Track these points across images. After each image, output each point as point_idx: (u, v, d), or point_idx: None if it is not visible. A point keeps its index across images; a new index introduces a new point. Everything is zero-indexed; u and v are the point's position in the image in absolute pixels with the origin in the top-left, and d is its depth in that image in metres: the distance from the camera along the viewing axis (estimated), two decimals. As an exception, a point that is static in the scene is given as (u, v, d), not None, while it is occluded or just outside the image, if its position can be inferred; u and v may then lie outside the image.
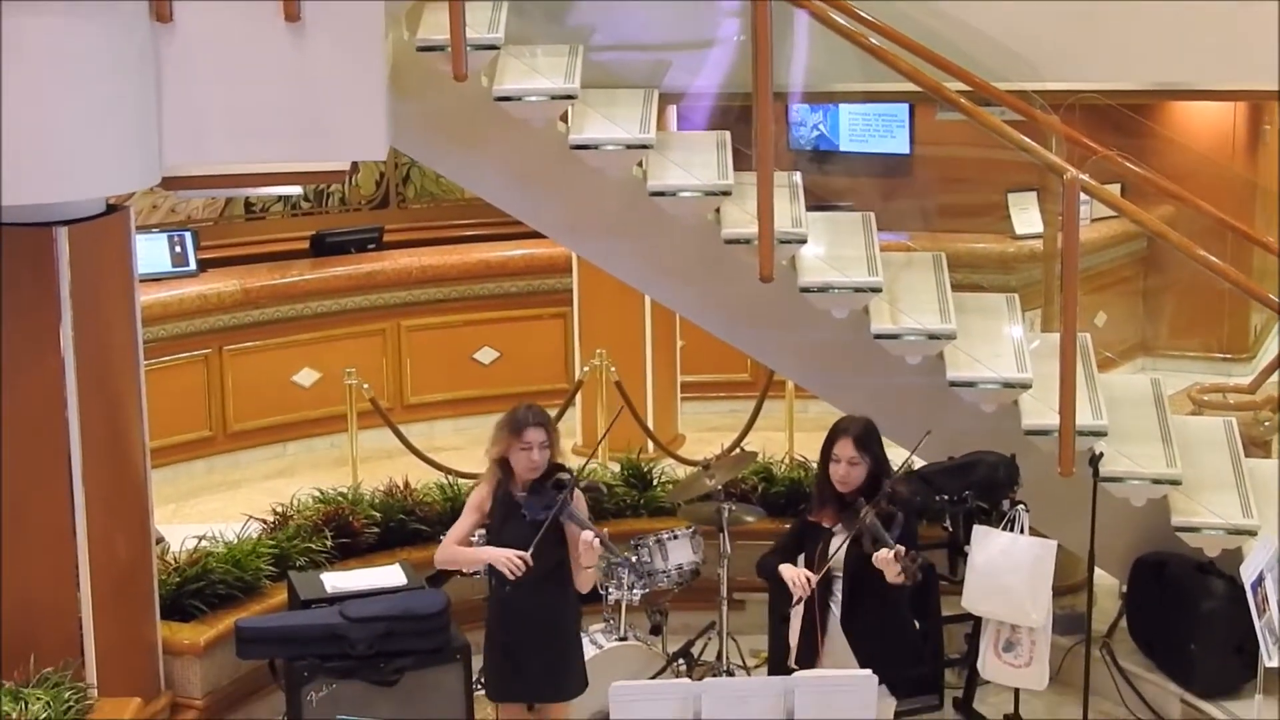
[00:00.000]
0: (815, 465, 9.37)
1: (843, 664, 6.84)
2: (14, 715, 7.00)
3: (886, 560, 6.70)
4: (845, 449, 6.94)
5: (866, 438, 6.96)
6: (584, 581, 7.27)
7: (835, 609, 6.96)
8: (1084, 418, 8.25)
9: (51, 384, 7.54)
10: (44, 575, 7.67)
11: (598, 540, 7.04)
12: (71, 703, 7.34)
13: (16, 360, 7.51)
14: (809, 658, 7.02)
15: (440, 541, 8.06)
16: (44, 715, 7.08)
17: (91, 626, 7.75)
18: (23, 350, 7.51)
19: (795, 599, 7.00)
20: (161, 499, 8.50)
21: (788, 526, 7.56)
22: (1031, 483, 8.24)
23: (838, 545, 6.93)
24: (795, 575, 6.95)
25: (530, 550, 6.97)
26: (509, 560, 6.96)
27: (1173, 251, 9.24)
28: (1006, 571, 7.89)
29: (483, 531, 8.19)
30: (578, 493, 7.23)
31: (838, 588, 6.94)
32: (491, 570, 7.23)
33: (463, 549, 7.28)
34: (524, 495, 7.11)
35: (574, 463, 7.67)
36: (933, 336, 8.32)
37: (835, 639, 6.94)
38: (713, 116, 9.41)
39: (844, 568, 6.93)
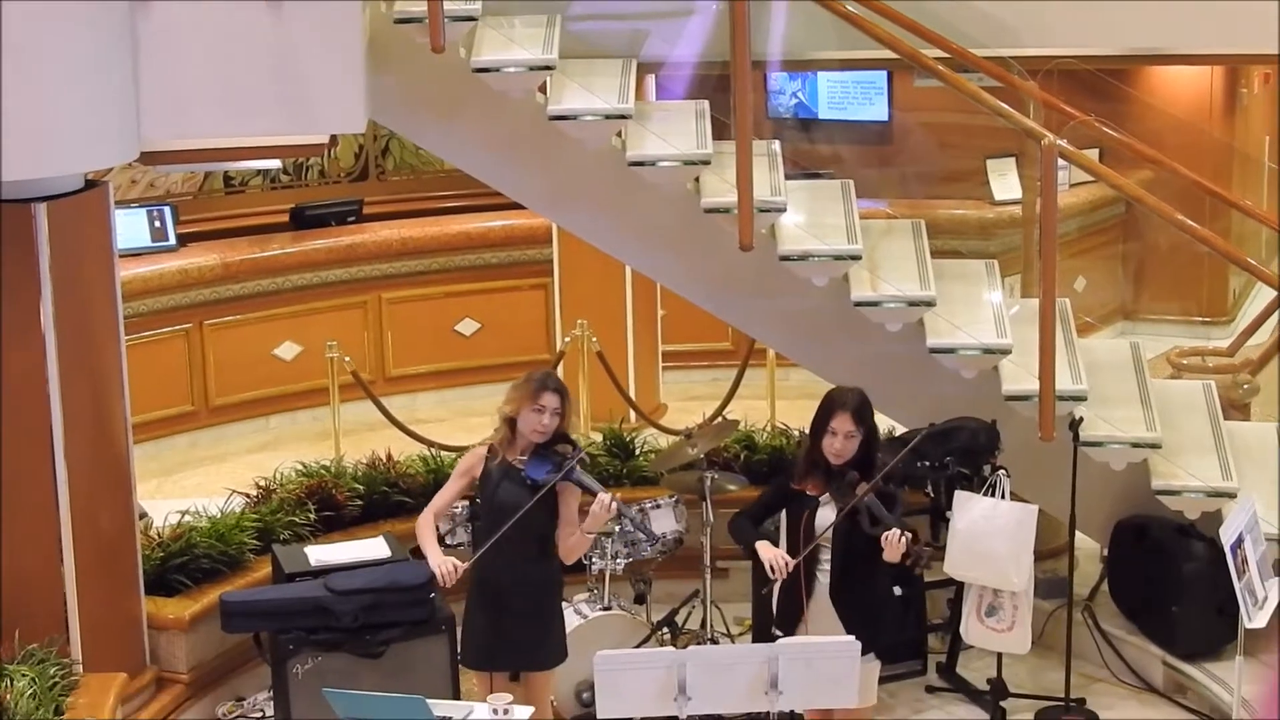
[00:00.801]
0: (797, 433, 9.48)
1: (829, 631, 6.85)
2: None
3: (894, 543, 6.70)
4: (844, 423, 6.88)
5: (863, 410, 6.91)
6: (574, 551, 7.20)
7: (822, 578, 6.95)
8: (1064, 383, 8.29)
9: (33, 360, 7.54)
10: (28, 551, 7.68)
11: (614, 502, 6.99)
12: (57, 678, 7.34)
13: (-3, 337, 7.52)
14: (791, 619, 7.01)
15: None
16: (30, 691, 7.09)
17: (76, 602, 7.77)
18: (4, 326, 7.51)
19: (774, 581, 6.99)
20: (144, 474, 8.50)
21: (771, 482, 7.51)
22: (1012, 448, 8.28)
23: (825, 517, 6.91)
24: (774, 557, 6.90)
25: (522, 512, 6.89)
26: (444, 570, 6.99)
27: (1151, 216, 9.28)
28: (988, 536, 7.93)
29: (464, 503, 8.22)
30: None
31: (825, 556, 6.93)
32: (478, 540, 7.23)
33: (427, 535, 7.21)
34: (524, 459, 7.05)
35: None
36: (913, 303, 8.34)
37: (821, 607, 6.94)
38: (691, 85, 9.41)
39: (833, 540, 6.90)
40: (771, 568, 6.90)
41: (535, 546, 7.07)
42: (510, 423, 7.09)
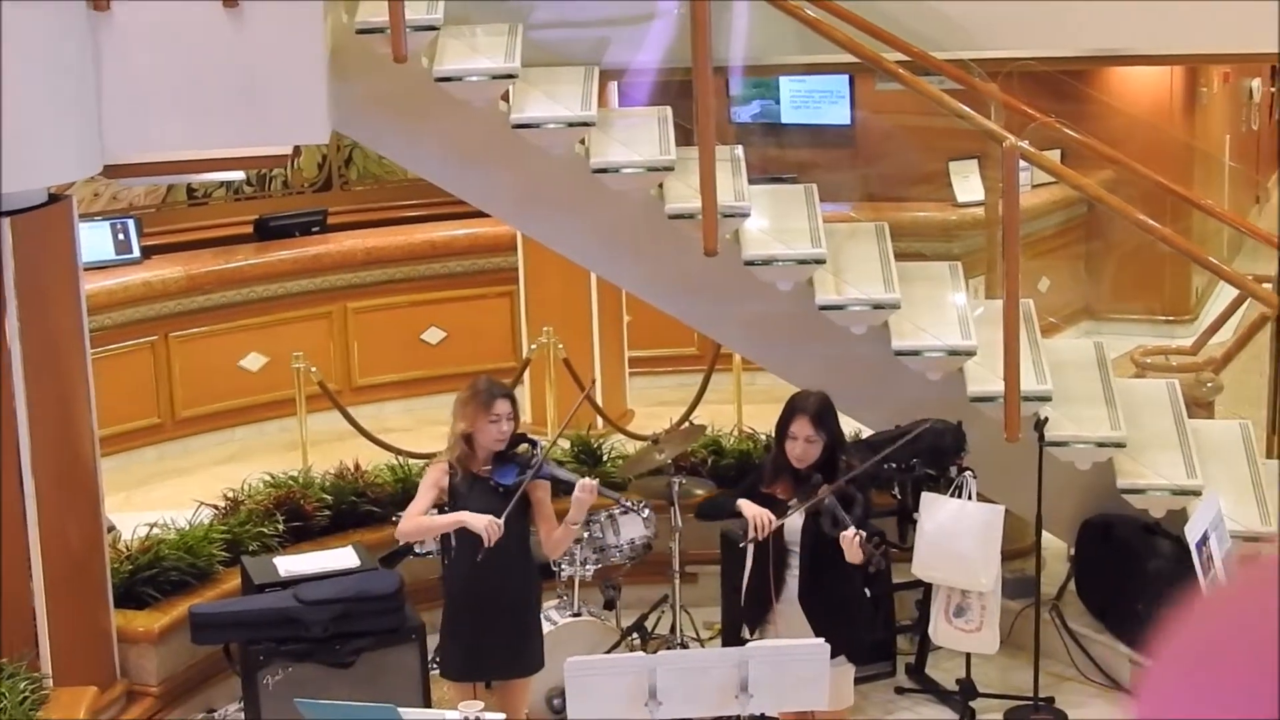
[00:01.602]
0: (764, 437, 9.51)
1: (797, 633, 6.87)
2: (-30, 707, 7.00)
3: (850, 542, 6.71)
4: (803, 427, 6.89)
5: (823, 414, 6.91)
6: (560, 545, 7.23)
7: (791, 581, 6.95)
8: (1028, 383, 8.33)
9: (-2, 375, 7.53)
10: (-4, 566, 7.66)
11: (593, 482, 6.99)
12: (28, 693, 7.31)
13: (-38, 352, 7.50)
14: (758, 618, 7.02)
15: (395, 522, 8.11)
16: (0, 705, 7.08)
17: (45, 616, 7.74)
18: (-32, 342, 7.50)
19: (749, 537, 6.92)
20: (111, 487, 8.48)
21: (742, 482, 7.51)
22: (978, 449, 8.31)
23: (794, 520, 6.92)
24: (758, 514, 6.84)
25: (503, 518, 6.85)
26: (487, 525, 6.80)
27: (1113, 216, 9.34)
28: (956, 537, 7.97)
29: (435, 510, 8.19)
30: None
31: (794, 560, 6.95)
32: (447, 548, 7.22)
33: (432, 518, 7.08)
34: (489, 469, 7.02)
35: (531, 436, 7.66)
36: (877, 306, 8.37)
37: (790, 609, 6.95)
38: (654, 92, 9.44)
39: (800, 543, 6.91)
40: (754, 521, 6.87)
41: (513, 554, 7.01)
42: (466, 438, 7.04)
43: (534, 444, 7.14)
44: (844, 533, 6.71)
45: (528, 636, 7.20)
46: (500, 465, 7.03)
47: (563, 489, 7.17)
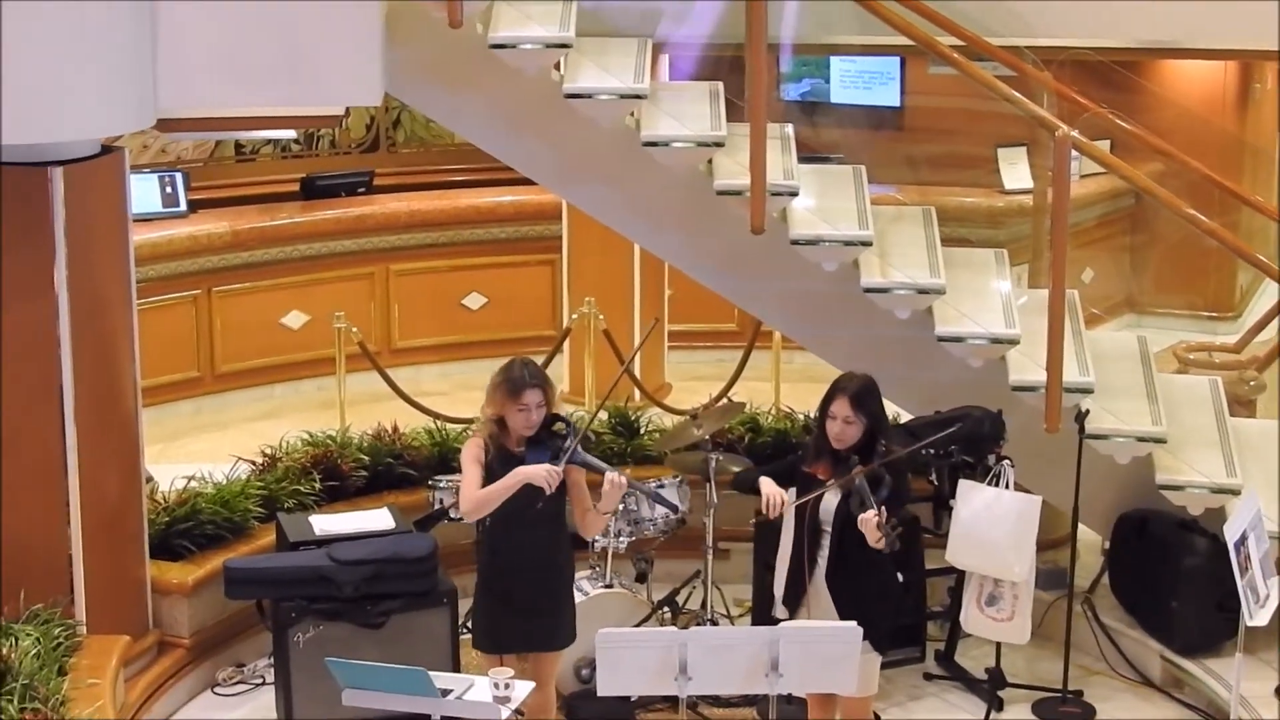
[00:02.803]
0: (802, 416, 9.51)
1: (825, 616, 6.87)
2: (3, 651, 7.03)
3: (868, 522, 6.71)
4: (842, 407, 6.88)
5: (863, 397, 6.88)
6: (593, 528, 7.18)
7: (821, 561, 6.96)
8: (1071, 374, 8.30)
9: (45, 323, 7.57)
10: (35, 512, 7.71)
11: (623, 478, 6.93)
12: (61, 639, 7.39)
13: (11, 299, 7.54)
14: (794, 600, 7.02)
15: (431, 485, 8.18)
16: (33, 651, 7.12)
17: (81, 564, 7.80)
18: (17, 289, 7.54)
19: (761, 514, 6.98)
20: (149, 438, 8.51)
21: (786, 458, 7.50)
22: (1017, 438, 8.29)
23: (830, 500, 6.91)
24: (772, 493, 6.91)
25: (561, 464, 6.80)
26: (547, 474, 6.74)
27: (1160, 209, 9.29)
28: (990, 526, 7.95)
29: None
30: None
31: (825, 541, 6.95)
32: (482, 524, 7.19)
33: (495, 485, 6.88)
34: (522, 450, 6.94)
35: (567, 408, 7.63)
36: (922, 291, 8.35)
37: (820, 591, 6.95)
38: (704, 66, 9.42)
39: (833, 524, 6.92)
40: (769, 500, 6.90)
41: (545, 532, 6.98)
42: (497, 420, 6.97)
43: (568, 423, 7.05)
44: (862, 514, 6.70)
45: (560, 612, 7.16)
46: (533, 449, 6.95)
47: (595, 472, 7.11)
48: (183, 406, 11.47)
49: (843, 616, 6.81)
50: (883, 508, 6.73)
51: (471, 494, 6.94)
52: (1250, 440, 8.66)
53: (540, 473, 6.78)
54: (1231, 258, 12.05)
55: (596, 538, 8.47)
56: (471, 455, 7.00)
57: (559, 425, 7.04)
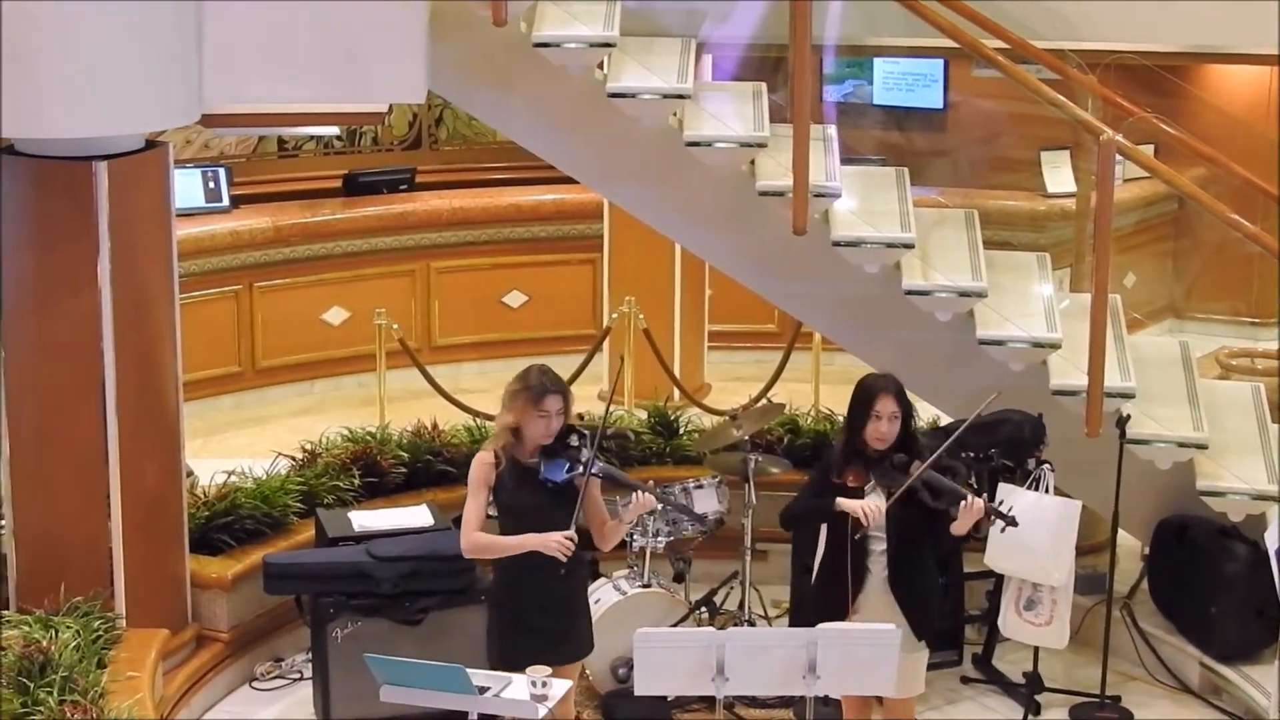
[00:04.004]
0: (841, 418, 9.47)
1: (885, 621, 6.78)
2: (44, 643, 7.08)
3: (971, 508, 6.68)
4: (887, 405, 6.85)
5: (902, 393, 6.91)
6: (612, 539, 7.02)
7: (874, 569, 6.91)
8: (1112, 379, 8.27)
9: (88, 317, 7.61)
10: (75, 505, 7.76)
11: (651, 497, 6.83)
12: (100, 632, 7.44)
13: (54, 293, 7.59)
14: (835, 615, 6.86)
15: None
16: (73, 644, 7.17)
17: (121, 557, 7.85)
18: (61, 283, 7.59)
19: (861, 529, 6.79)
20: (189, 433, 8.55)
21: (810, 478, 7.46)
22: (1057, 442, 8.27)
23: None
24: (861, 504, 6.77)
25: (572, 525, 6.65)
26: (560, 544, 6.62)
27: (1203, 214, 9.27)
28: (1030, 530, 7.88)
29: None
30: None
31: (875, 546, 6.90)
32: (504, 529, 6.92)
33: (500, 539, 6.80)
34: (534, 460, 6.78)
35: (599, 410, 7.58)
36: (964, 294, 8.33)
37: (875, 598, 6.91)
38: (747, 67, 9.41)
39: (887, 529, 6.86)
40: (864, 513, 6.76)
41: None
42: (513, 430, 6.80)
43: (582, 435, 6.88)
44: (966, 502, 6.66)
45: (575, 625, 6.98)
46: (549, 460, 6.78)
47: (620, 487, 7.06)
48: (223, 401, 11.52)
49: (911, 618, 6.82)
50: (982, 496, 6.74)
51: (472, 533, 6.81)
52: (1292, 448, 8.62)
53: (552, 543, 6.63)
54: (1275, 263, 11.96)
55: (635, 537, 8.48)
56: (480, 478, 6.82)
57: (572, 438, 6.84)
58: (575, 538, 6.66)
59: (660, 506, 6.98)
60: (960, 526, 6.74)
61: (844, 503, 6.85)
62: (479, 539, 6.82)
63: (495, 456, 6.82)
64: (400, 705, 6.40)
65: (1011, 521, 6.79)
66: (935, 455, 6.82)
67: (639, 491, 6.87)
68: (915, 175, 8.86)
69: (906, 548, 6.89)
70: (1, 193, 7.58)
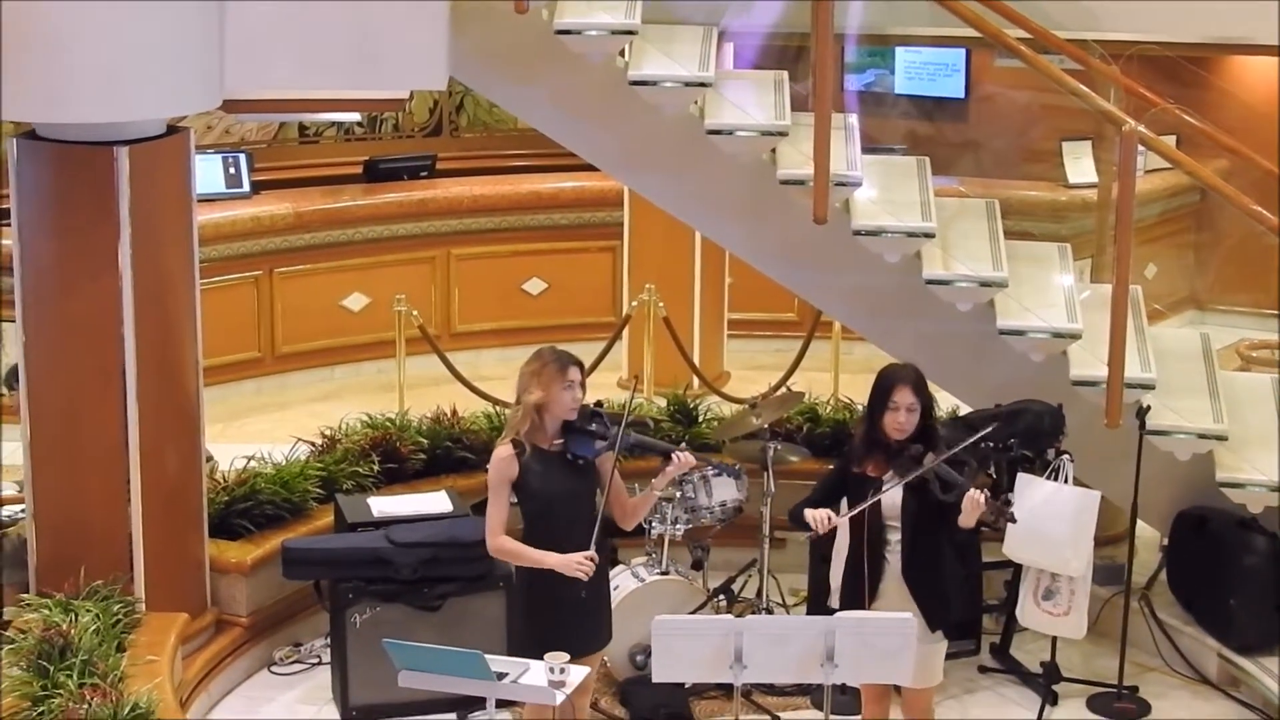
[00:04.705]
0: (861, 407, 9.47)
1: (903, 611, 6.78)
2: (64, 626, 7.10)
3: (974, 501, 6.69)
4: (905, 396, 6.85)
5: (921, 383, 6.89)
6: (638, 512, 7.02)
7: (890, 559, 6.92)
8: (1132, 370, 8.26)
9: (109, 302, 7.63)
10: (95, 489, 7.78)
11: (688, 454, 6.81)
12: (120, 616, 7.46)
13: (76, 278, 7.61)
14: (852, 604, 6.91)
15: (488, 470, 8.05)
16: (94, 627, 7.19)
17: (141, 542, 7.87)
18: (81, 267, 7.61)
19: (811, 533, 6.88)
20: (209, 418, 8.56)
21: (830, 469, 7.47)
22: (1077, 433, 8.26)
23: (893, 495, 6.86)
24: (815, 514, 6.84)
25: (592, 545, 6.62)
26: (579, 565, 6.59)
27: (1225, 205, 9.23)
28: (1049, 520, 7.92)
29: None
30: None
31: (892, 536, 6.91)
32: (531, 530, 6.82)
33: (524, 551, 6.70)
34: (560, 444, 6.74)
35: (620, 396, 7.57)
36: (984, 284, 8.32)
37: (893, 588, 6.91)
38: (769, 55, 9.40)
39: (902, 519, 6.88)
40: (814, 520, 6.82)
41: (587, 530, 6.70)
42: (538, 410, 6.72)
43: (601, 414, 6.83)
44: (969, 494, 6.67)
45: (599, 615, 6.94)
46: (575, 437, 6.74)
47: (654, 454, 7.07)
48: (244, 387, 11.55)
49: (924, 608, 6.83)
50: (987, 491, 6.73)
51: (498, 536, 6.77)
52: (1313, 440, 8.60)
53: (573, 564, 6.59)
54: (1296, 255, 11.96)
55: (654, 524, 8.48)
56: (501, 476, 6.76)
57: (596, 419, 6.81)
58: (596, 558, 6.63)
59: (697, 464, 6.92)
60: (965, 520, 6.74)
61: (806, 513, 6.89)
62: (505, 544, 6.77)
63: (516, 446, 6.75)
64: (418, 690, 6.43)
65: (1011, 519, 6.81)
66: (951, 452, 6.81)
67: (676, 453, 6.85)
68: (936, 165, 8.84)
69: (921, 539, 6.89)
70: (23, 177, 7.60)
